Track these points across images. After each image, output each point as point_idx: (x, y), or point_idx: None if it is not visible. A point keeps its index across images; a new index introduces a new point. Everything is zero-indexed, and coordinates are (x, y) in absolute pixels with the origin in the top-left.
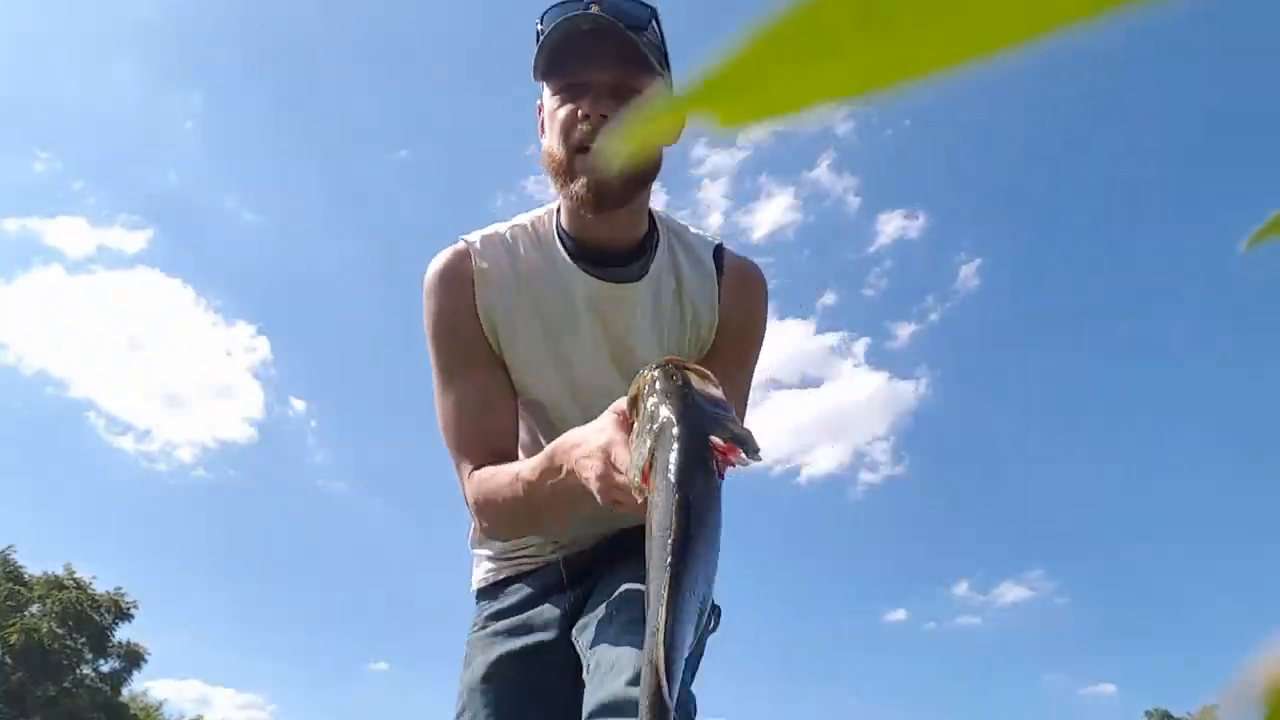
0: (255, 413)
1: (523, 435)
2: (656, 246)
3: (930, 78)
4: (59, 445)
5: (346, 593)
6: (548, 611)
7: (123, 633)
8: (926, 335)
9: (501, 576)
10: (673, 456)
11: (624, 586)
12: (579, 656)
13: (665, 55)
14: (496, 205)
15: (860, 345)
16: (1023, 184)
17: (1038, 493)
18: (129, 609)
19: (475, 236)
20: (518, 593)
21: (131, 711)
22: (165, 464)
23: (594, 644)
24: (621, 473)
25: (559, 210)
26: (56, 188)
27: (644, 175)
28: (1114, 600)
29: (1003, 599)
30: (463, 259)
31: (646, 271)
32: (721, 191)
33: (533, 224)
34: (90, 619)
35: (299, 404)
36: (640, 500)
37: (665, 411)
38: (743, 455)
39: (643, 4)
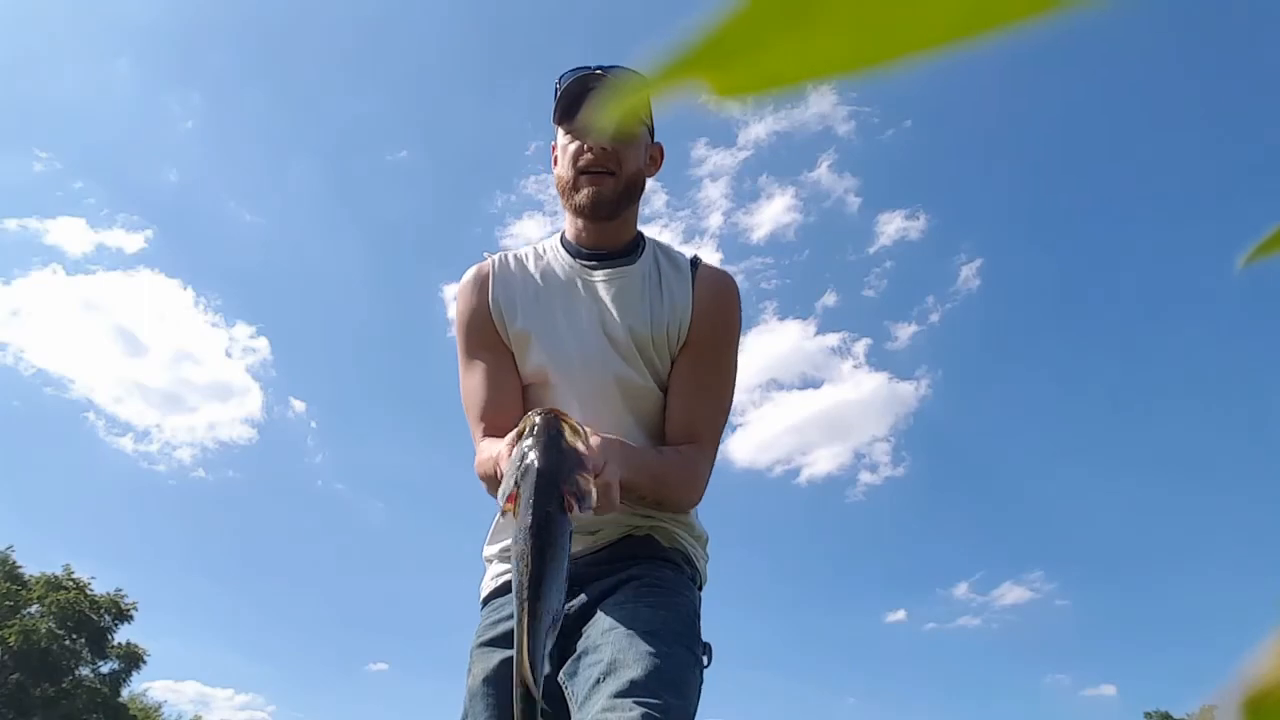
0: (255, 413)
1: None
2: (643, 251)
3: (934, 49)
4: (59, 446)
5: (346, 593)
6: None
7: (122, 633)
8: (927, 336)
9: (501, 582)
10: (529, 498)
11: (608, 640)
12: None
13: (653, 117)
14: (496, 205)
15: (860, 346)
16: (1023, 185)
17: (1038, 494)
18: (128, 610)
19: (495, 254)
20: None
21: (131, 712)
22: (165, 465)
23: (581, 706)
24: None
25: (563, 233)
26: (56, 188)
27: (631, 191)
28: (1114, 602)
29: (1003, 600)
30: (482, 268)
31: (635, 262)
32: (722, 192)
33: (541, 245)
34: (89, 620)
35: (299, 405)
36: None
37: (532, 456)
38: (577, 509)
39: (639, 73)
